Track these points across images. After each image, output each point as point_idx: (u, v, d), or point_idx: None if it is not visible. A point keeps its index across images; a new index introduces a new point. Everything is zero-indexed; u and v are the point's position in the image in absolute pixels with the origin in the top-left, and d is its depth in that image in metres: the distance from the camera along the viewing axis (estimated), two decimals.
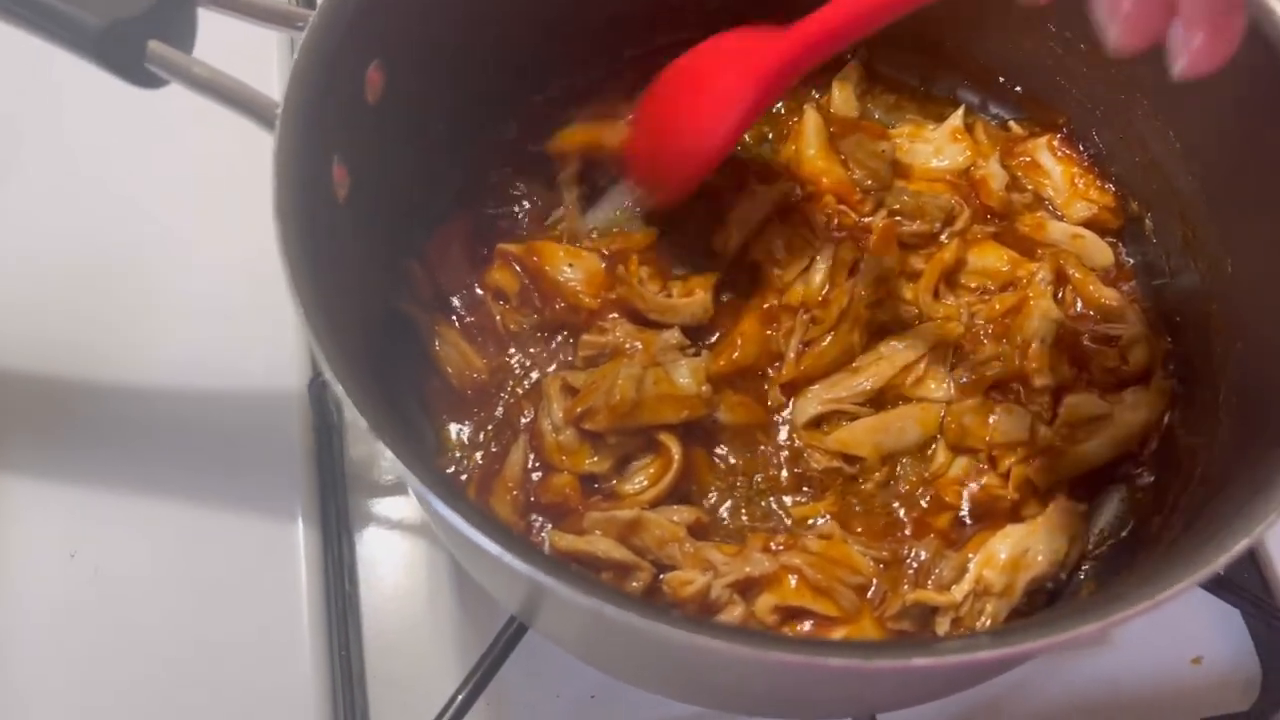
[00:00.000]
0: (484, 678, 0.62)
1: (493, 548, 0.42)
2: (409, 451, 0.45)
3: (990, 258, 0.71)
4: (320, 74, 0.54)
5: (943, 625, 0.60)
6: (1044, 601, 0.63)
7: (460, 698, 0.62)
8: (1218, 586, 0.68)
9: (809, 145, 0.74)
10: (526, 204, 0.73)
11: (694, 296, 0.68)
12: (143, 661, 0.67)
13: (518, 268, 0.69)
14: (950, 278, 0.71)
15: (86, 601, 0.69)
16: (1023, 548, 0.61)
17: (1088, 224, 0.74)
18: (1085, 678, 0.71)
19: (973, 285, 0.71)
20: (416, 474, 0.44)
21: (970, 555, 0.61)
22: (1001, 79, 0.77)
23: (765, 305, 0.69)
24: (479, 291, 0.69)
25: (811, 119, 0.75)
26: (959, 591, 0.59)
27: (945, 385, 0.67)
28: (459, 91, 0.68)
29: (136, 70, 0.54)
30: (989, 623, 0.59)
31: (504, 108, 0.73)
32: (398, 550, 0.73)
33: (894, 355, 0.68)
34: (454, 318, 0.69)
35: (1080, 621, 0.42)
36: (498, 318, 0.69)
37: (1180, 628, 0.73)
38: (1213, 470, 0.60)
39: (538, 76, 0.74)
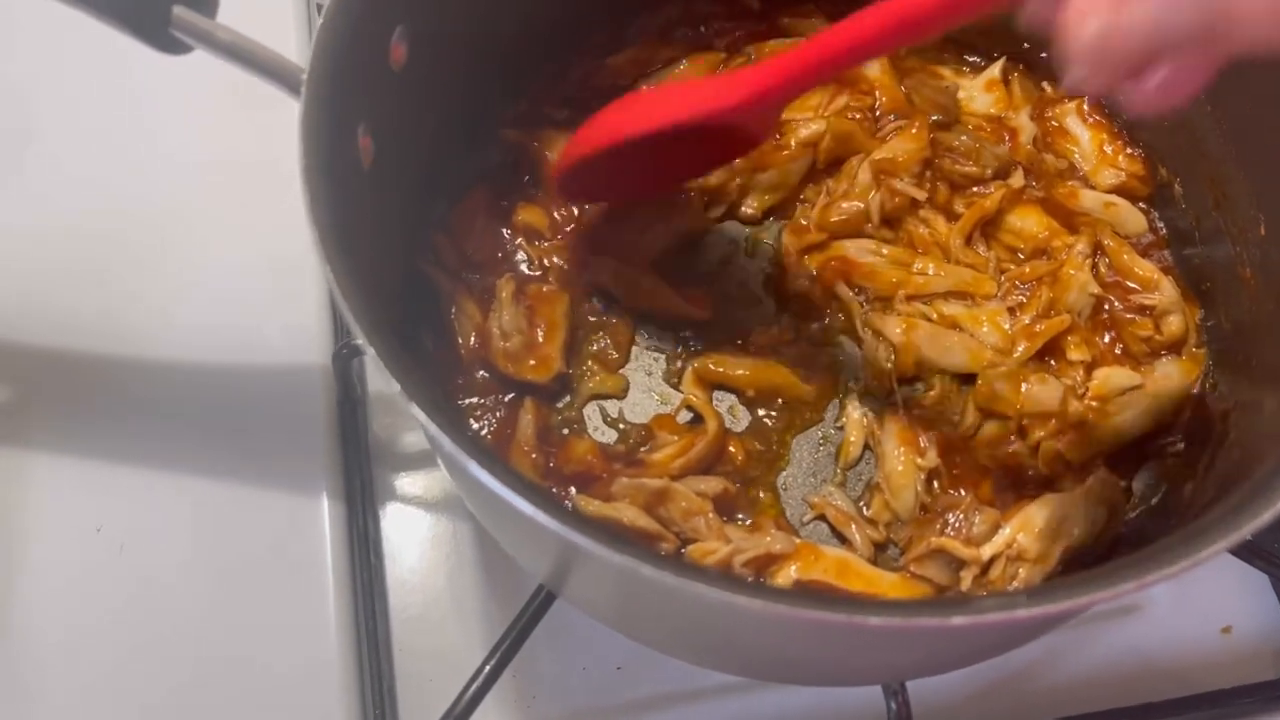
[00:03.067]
0: (511, 648, 0.62)
1: (526, 507, 0.42)
2: (440, 412, 0.45)
3: (1030, 221, 0.71)
4: (345, 41, 0.54)
5: (965, 581, 0.59)
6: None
7: (487, 669, 0.61)
8: (1249, 553, 0.67)
9: (871, 64, 0.75)
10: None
11: None
12: (169, 635, 0.67)
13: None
14: (986, 230, 0.71)
15: (114, 575, 0.69)
16: (1060, 515, 0.61)
17: (1116, 191, 0.73)
18: (1114, 648, 0.70)
19: (1005, 243, 0.71)
20: (448, 435, 0.43)
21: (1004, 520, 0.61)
22: (1026, 45, 0.77)
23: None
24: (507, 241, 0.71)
25: None
26: (987, 551, 0.59)
27: (1004, 324, 0.68)
28: (483, 58, 0.68)
29: (161, 36, 0.53)
30: (1021, 587, 0.59)
31: (529, 74, 0.73)
32: (423, 523, 0.73)
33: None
34: (473, 288, 0.69)
35: (1117, 580, 0.42)
36: (531, 259, 0.70)
37: (1210, 597, 0.72)
38: (1245, 435, 0.60)
39: (564, 41, 0.74)
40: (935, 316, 0.68)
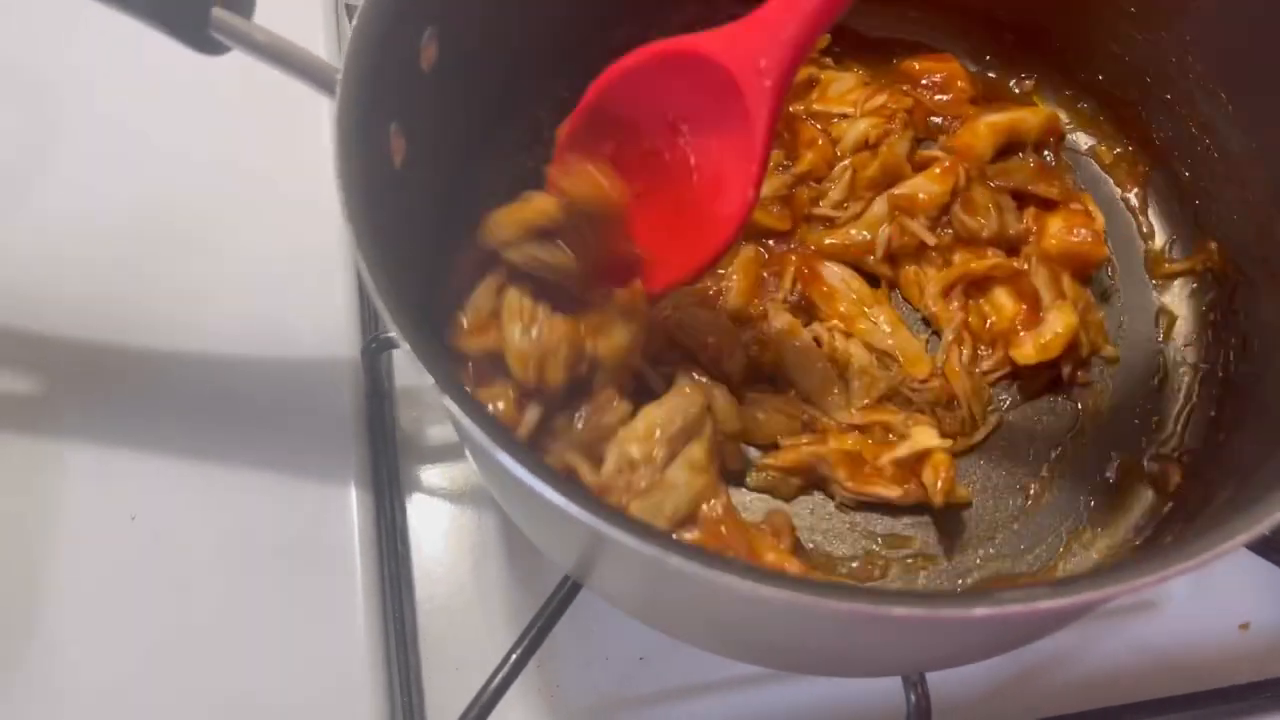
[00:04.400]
0: (537, 638, 0.63)
1: (556, 497, 0.43)
2: (473, 406, 0.46)
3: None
4: (377, 42, 0.55)
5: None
6: None
7: (513, 658, 0.62)
8: (1269, 550, 0.67)
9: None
10: None
11: None
12: (200, 621, 0.69)
13: None
14: (969, 289, 0.71)
15: (148, 562, 0.70)
16: None
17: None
18: (1132, 643, 0.71)
19: (982, 311, 0.71)
20: (481, 426, 0.44)
21: None
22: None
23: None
24: None
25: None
26: None
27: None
28: (514, 59, 0.69)
29: (201, 37, 0.54)
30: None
31: (558, 75, 0.74)
32: (448, 515, 0.74)
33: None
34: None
35: (1138, 574, 0.43)
36: None
37: (1228, 593, 0.72)
38: (1267, 432, 0.60)
39: (591, 39, 0.74)
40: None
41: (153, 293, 0.79)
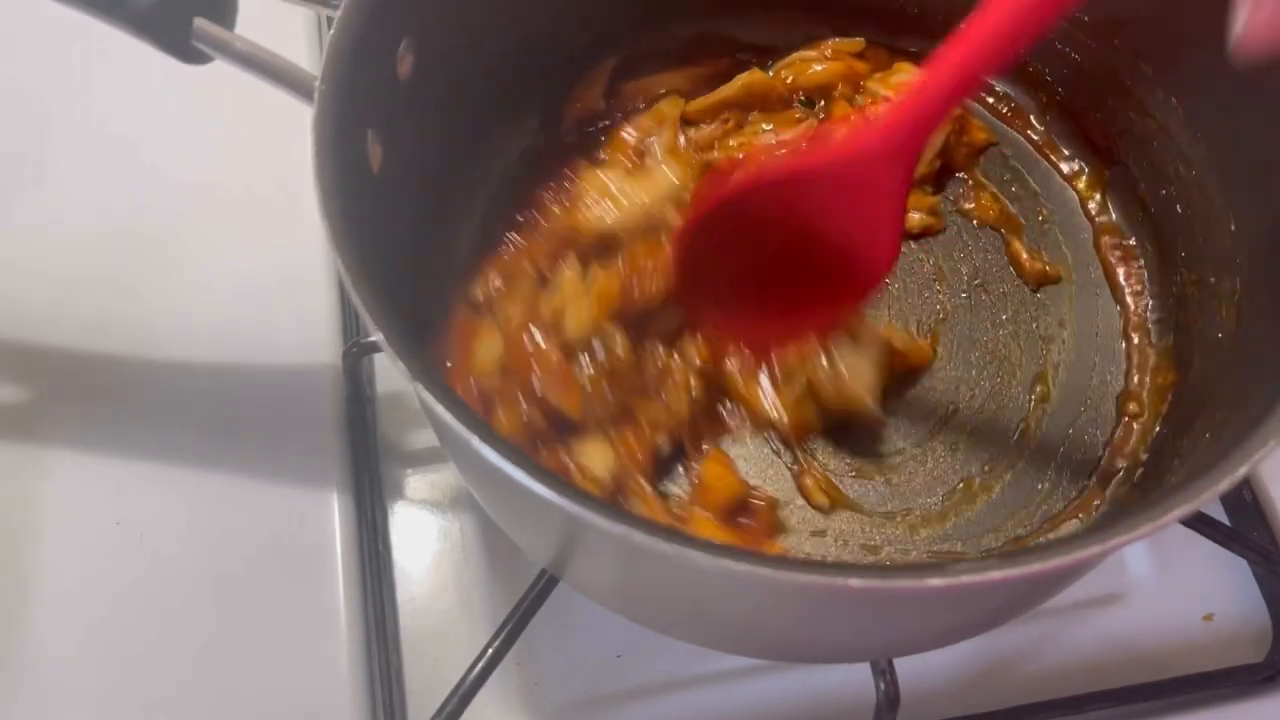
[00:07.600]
0: (514, 631, 0.64)
1: (524, 478, 0.44)
2: (445, 392, 0.47)
3: None
4: (353, 51, 0.57)
5: None
6: None
7: (490, 650, 0.64)
8: (1227, 539, 0.69)
9: None
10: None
11: None
12: (186, 624, 0.70)
13: None
14: None
15: (132, 567, 0.71)
16: None
17: None
18: (1097, 635, 0.72)
19: None
20: (452, 411, 0.46)
21: None
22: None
23: None
24: None
25: None
26: None
27: None
28: (493, 72, 0.71)
29: (183, 47, 0.56)
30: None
31: (539, 90, 0.76)
32: (430, 519, 0.76)
33: None
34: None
35: (1082, 545, 0.44)
36: None
37: (1191, 585, 0.74)
38: (1219, 413, 0.62)
39: (572, 54, 0.77)
40: None
41: (136, 301, 0.80)
